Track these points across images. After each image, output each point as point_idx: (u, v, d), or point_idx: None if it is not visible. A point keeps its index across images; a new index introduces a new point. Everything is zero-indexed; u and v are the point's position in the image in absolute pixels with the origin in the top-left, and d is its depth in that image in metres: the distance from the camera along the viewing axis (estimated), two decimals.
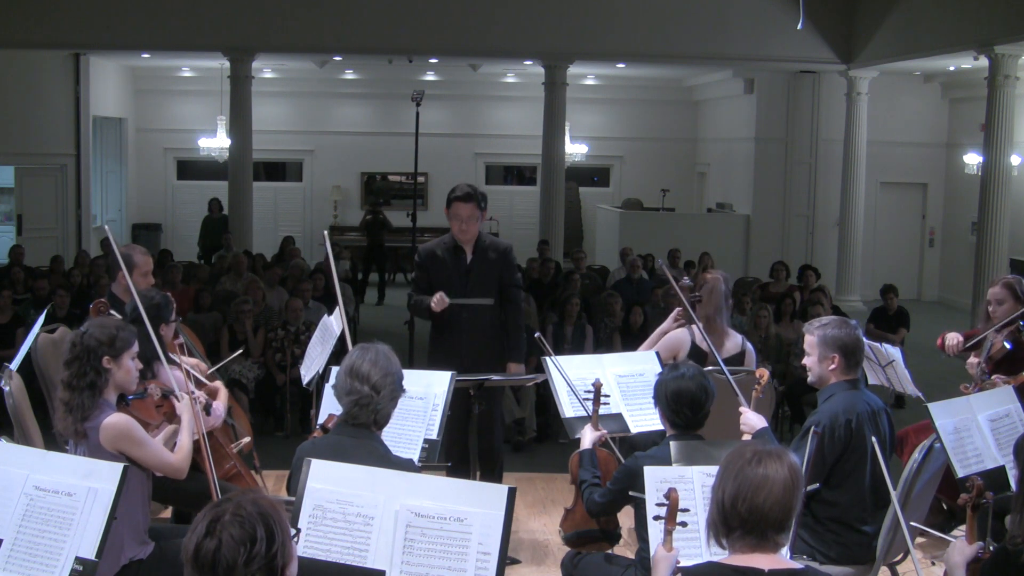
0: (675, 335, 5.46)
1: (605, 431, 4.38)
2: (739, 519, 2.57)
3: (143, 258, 5.44)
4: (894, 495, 3.67)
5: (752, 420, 4.14)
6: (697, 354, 5.32)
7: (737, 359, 5.39)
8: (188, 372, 4.81)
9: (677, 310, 5.55)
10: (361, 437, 3.39)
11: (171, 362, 4.71)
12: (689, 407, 3.78)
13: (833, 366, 4.12)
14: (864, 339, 4.29)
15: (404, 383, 3.53)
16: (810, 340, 4.18)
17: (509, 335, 5.85)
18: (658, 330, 5.67)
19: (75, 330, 3.93)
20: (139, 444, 3.75)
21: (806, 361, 4.23)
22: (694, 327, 5.35)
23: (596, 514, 4.07)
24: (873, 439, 3.82)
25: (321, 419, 4.38)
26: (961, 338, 5.75)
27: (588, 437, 4.29)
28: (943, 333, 5.84)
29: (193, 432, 4.06)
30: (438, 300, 5.58)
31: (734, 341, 5.48)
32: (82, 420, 3.72)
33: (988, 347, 5.42)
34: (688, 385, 3.79)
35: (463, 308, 5.71)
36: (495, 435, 5.79)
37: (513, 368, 5.80)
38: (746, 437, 4.13)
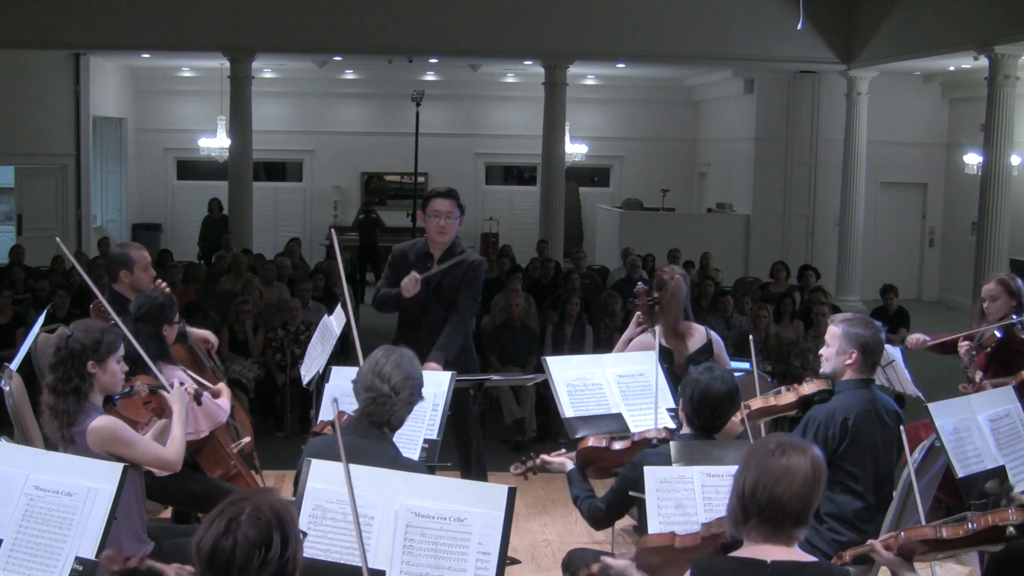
0: (640, 341, 5.36)
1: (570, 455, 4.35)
2: (757, 507, 2.57)
3: (139, 253, 5.33)
4: (896, 493, 3.67)
5: None
6: (666, 356, 5.24)
7: (705, 351, 5.29)
8: (194, 365, 4.81)
9: (638, 314, 5.50)
10: (372, 438, 3.38)
11: (172, 363, 4.71)
12: (711, 411, 3.74)
13: (850, 361, 4.11)
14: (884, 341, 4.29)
15: None
16: (834, 331, 4.17)
17: (444, 332, 5.48)
18: (623, 336, 5.60)
19: (62, 332, 3.90)
20: (128, 444, 3.72)
21: (824, 351, 4.21)
22: (656, 329, 5.32)
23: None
24: (878, 440, 3.82)
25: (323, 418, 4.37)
26: (925, 338, 5.82)
27: (559, 460, 4.28)
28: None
29: (186, 424, 4.04)
30: (411, 282, 5.36)
31: (698, 335, 5.35)
32: (68, 425, 3.68)
33: (980, 335, 5.46)
34: (718, 388, 3.74)
35: (425, 314, 5.58)
36: (470, 427, 5.70)
37: (430, 366, 5.27)
38: None
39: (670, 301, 5.29)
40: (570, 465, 4.22)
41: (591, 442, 4.26)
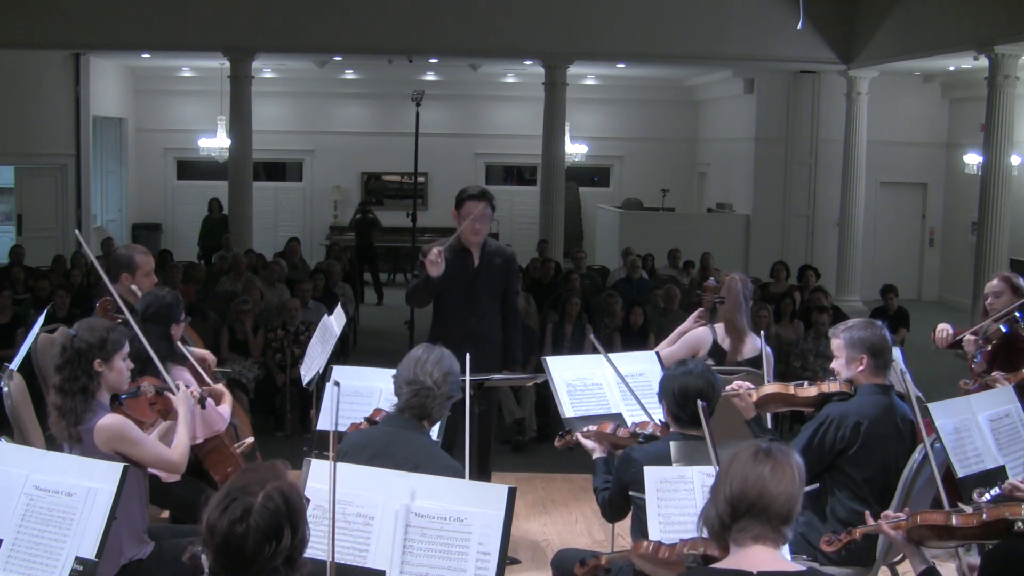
0: (696, 333, 5.51)
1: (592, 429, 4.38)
2: (747, 504, 2.55)
3: (144, 258, 5.30)
4: (897, 494, 3.67)
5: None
6: (717, 353, 5.38)
7: (755, 362, 5.38)
8: (196, 370, 4.81)
9: (699, 310, 5.60)
10: (412, 430, 3.50)
11: (181, 358, 4.72)
12: (696, 402, 3.78)
13: (862, 367, 4.11)
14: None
15: None
16: (837, 343, 4.17)
17: (507, 345, 5.70)
18: (679, 329, 5.74)
19: (64, 332, 3.89)
20: (135, 443, 3.72)
21: (835, 364, 4.21)
22: (716, 327, 5.42)
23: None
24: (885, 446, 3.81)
25: (319, 420, 4.38)
26: (951, 331, 5.76)
27: (589, 445, 4.30)
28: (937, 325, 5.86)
29: (190, 427, 4.04)
30: (436, 255, 5.29)
31: (754, 343, 5.47)
32: (75, 424, 3.69)
33: (985, 329, 5.45)
34: (696, 381, 3.81)
35: (472, 314, 5.58)
36: (489, 432, 5.74)
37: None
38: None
39: (728, 297, 5.46)
40: (598, 453, 4.24)
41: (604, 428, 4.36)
